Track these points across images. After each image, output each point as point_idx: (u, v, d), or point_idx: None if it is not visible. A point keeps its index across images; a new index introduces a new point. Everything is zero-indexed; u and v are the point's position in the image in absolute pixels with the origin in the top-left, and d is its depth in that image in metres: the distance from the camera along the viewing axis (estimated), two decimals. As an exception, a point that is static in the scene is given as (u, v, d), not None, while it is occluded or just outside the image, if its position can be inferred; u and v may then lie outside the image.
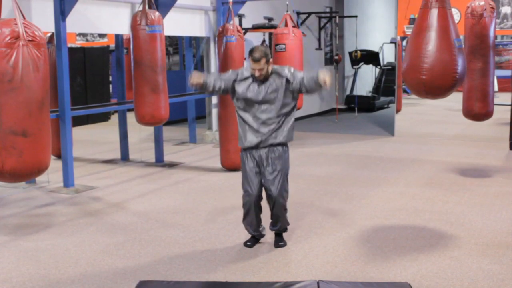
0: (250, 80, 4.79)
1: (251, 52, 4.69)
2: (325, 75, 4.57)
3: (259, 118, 4.76)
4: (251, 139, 4.78)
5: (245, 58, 8.22)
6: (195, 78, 4.82)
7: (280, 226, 5.02)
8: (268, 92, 4.73)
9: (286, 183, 4.88)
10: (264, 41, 11.42)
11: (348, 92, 16.39)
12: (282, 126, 4.79)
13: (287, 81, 4.73)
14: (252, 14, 10.93)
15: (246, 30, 10.24)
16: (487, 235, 5.25)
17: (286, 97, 4.76)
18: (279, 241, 5.05)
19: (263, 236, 5.11)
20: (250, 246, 5.01)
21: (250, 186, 4.84)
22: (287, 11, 9.29)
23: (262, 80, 4.75)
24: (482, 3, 6.78)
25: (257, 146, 4.79)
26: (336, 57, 15.09)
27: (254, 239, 5.08)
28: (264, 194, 4.92)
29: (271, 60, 4.75)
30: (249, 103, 4.78)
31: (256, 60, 4.66)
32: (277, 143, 4.79)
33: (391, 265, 4.57)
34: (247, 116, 4.80)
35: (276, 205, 4.87)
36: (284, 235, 5.14)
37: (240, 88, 4.79)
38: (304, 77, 4.73)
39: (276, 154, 4.79)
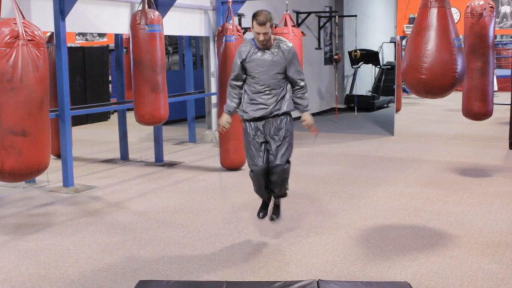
0: (252, 51, 4.79)
1: (256, 15, 4.67)
2: (308, 122, 4.84)
3: (263, 91, 4.76)
4: (256, 111, 4.79)
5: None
6: (224, 122, 4.96)
7: (280, 191, 5.06)
8: (272, 60, 4.73)
9: (290, 151, 4.91)
10: None
11: (347, 92, 16.38)
12: (285, 96, 4.82)
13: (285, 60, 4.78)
14: (251, 14, 10.91)
15: (246, 30, 10.23)
16: (486, 234, 5.25)
17: (285, 70, 4.80)
18: (274, 213, 5.15)
19: (271, 198, 5.16)
20: (262, 217, 5.13)
21: (254, 159, 4.87)
22: (286, 10, 9.28)
23: (264, 47, 4.76)
24: (481, 2, 6.78)
25: (261, 118, 4.81)
26: (335, 57, 15.08)
27: (264, 208, 5.15)
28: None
29: (274, 25, 4.76)
30: (254, 74, 4.77)
31: (261, 23, 4.64)
32: (282, 113, 4.82)
33: (391, 264, 4.57)
34: (251, 88, 4.81)
35: (280, 174, 4.87)
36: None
37: (247, 64, 4.80)
38: (299, 86, 4.83)
39: (281, 124, 4.81)
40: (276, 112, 4.79)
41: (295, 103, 4.88)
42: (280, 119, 4.82)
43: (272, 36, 4.78)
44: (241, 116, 4.93)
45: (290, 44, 4.83)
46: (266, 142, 4.86)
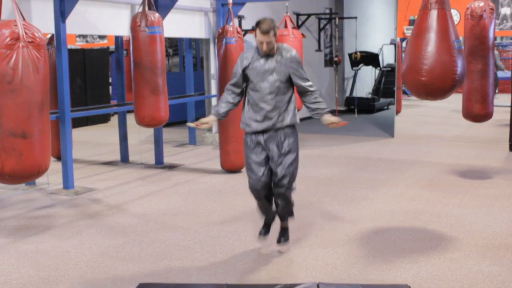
0: (255, 59, 4.64)
1: (259, 23, 4.50)
2: (334, 121, 4.66)
3: (265, 100, 4.59)
4: (258, 123, 4.62)
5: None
6: (204, 125, 4.71)
7: (285, 210, 4.88)
8: (275, 68, 4.58)
9: (295, 164, 4.70)
10: None
11: (347, 94, 16.40)
12: (288, 107, 4.65)
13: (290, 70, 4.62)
14: (252, 16, 10.92)
15: (246, 32, 10.24)
16: (487, 237, 5.25)
17: (288, 80, 4.64)
18: (282, 235, 4.93)
19: (274, 218, 4.98)
20: (264, 234, 4.92)
21: (254, 172, 4.70)
22: (286, 12, 9.29)
23: (267, 55, 4.61)
24: (481, 4, 6.78)
25: (263, 131, 4.65)
26: (335, 59, 15.09)
27: (266, 227, 4.96)
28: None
29: (277, 33, 4.61)
30: (255, 82, 4.62)
31: (264, 32, 4.47)
32: (285, 126, 4.64)
33: (391, 267, 4.56)
34: (253, 97, 4.64)
35: (282, 191, 4.71)
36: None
37: (249, 72, 4.65)
38: (310, 92, 4.65)
39: (284, 137, 4.64)
40: (279, 125, 4.61)
41: (312, 109, 4.68)
42: (283, 133, 4.63)
43: (276, 45, 4.63)
44: (243, 129, 4.75)
45: (294, 52, 4.67)
46: (268, 157, 4.69)
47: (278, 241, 4.94)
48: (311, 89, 4.69)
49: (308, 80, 4.69)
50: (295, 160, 4.71)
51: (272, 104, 4.61)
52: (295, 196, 4.96)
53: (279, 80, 4.60)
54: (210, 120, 4.76)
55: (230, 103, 4.79)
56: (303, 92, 4.71)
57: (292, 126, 4.70)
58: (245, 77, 4.72)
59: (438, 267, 4.54)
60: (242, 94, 4.81)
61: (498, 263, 4.61)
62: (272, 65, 4.61)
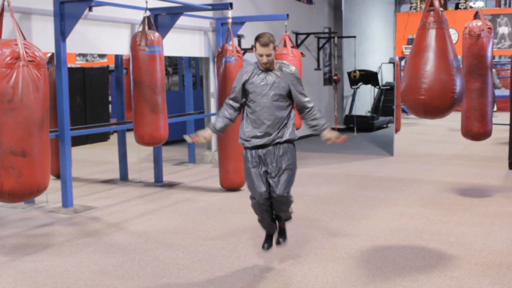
0: (255, 73, 4.69)
1: (258, 37, 4.58)
2: (331, 137, 4.77)
3: (267, 116, 4.62)
4: (257, 138, 4.66)
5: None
6: (201, 138, 4.83)
7: (284, 217, 5.02)
8: (275, 83, 4.63)
9: (291, 181, 4.76)
10: None
11: (347, 112, 16.43)
12: (287, 123, 4.70)
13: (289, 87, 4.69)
14: (251, 35, 10.96)
15: (245, 51, 10.28)
16: (487, 255, 5.23)
17: (288, 95, 4.69)
18: (280, 237, 5.06)
19: (276, 229, 5.07)
20: (267, 248, 5.00)
21: (256, 188, 4.73)
22: (286, 31, 9.35)
23: (266, 70, 4.66)
24: (479, 23, 6.83)
25: (262, 146, 4.69)
26: (335, 77, 15.15)
27: (269, 239, 5.03)
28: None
29: (277, 47, 4.67)
30: (255, 96, 4.65)
31: (264, 44, 4.54)
32: (284, 141, 4.69)
33: (391, 285, 4.54)
34: (253, 112, 4.68)
35: (282, 204, 4.78)
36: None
37: (249, 86, 4.69)
38: (308, 108, 4.74)
39: (282, 152, 4.68)
40: (278, 140, 4.66)
41: (311, 126, 4.78)
42: (282, 148, 4.68)
43: (275, 60, 4.69)
44: (242, 144, 4.78)
45: (293, 68, 4.74)
46: (267, 172, 4.73)
47: (278, 243, 5.05)
48: (309, 105, 4.75)
49: (306, 96, 4.76)
50: (293, 175, 4.78)
51: (272, 119, 4.64)
52: (295, 215, 4.96)
53: (279, 95, 4.64)
54: (207, 134, 4.85)
55: (227, 119, 4.83)
56: (302, 108, 4.77)
57: (290, 142, 4.75)
58: (244, 92, 4.74)
59: (438, 286, 4.52)
60: (240, 110, 4.83)
61: (499, 282, 4.59)
62: (272, 79, 4.66)
